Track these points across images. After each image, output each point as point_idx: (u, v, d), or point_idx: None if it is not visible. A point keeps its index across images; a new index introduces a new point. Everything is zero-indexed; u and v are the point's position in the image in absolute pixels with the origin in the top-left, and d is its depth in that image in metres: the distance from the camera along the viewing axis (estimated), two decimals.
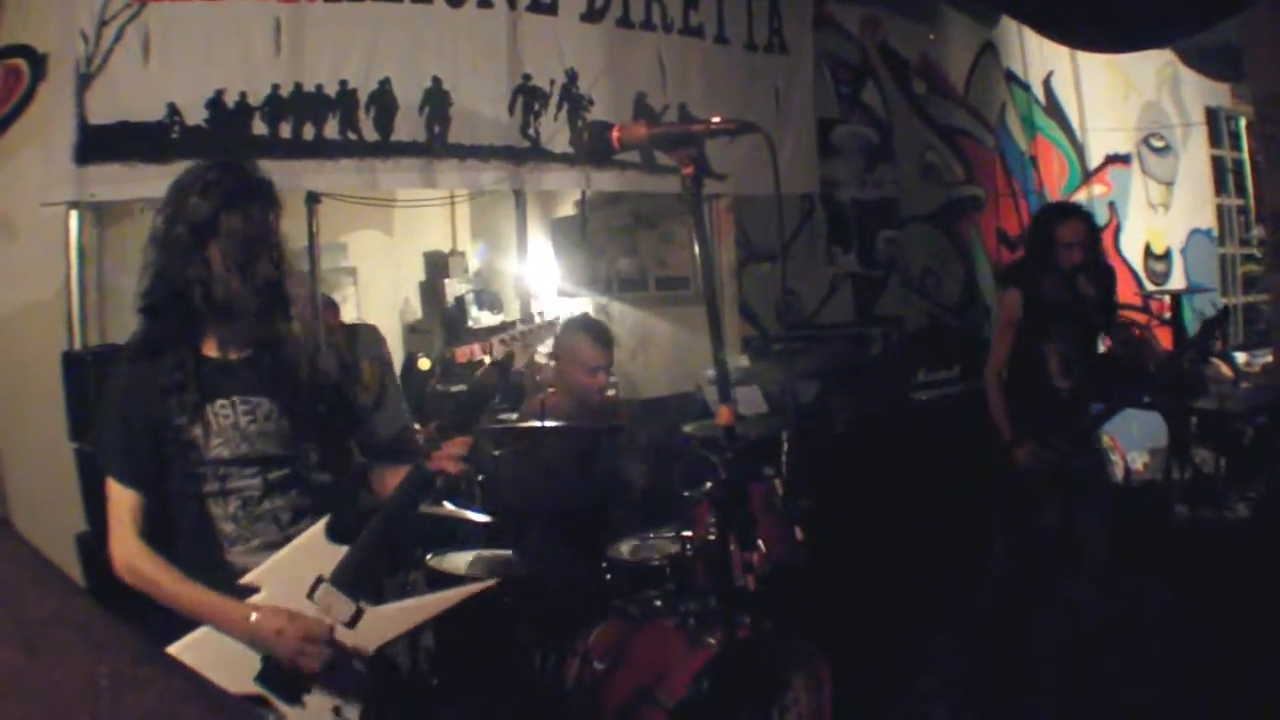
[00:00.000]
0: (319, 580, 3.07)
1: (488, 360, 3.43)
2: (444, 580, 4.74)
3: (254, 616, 2.94)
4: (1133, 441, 10.37)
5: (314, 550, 3.11)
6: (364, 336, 7.52)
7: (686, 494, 4.82)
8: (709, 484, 4.72)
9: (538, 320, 3.63)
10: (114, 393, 3.13)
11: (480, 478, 5.51)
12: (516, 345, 3.51)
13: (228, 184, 3.07)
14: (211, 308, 3.05)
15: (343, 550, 3.12)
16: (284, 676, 2.99)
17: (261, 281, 3.07)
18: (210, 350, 3.16)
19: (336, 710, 3.05)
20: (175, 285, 3.03)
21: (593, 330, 5.69)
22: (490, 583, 3.69)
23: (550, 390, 5.54)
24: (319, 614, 3.04)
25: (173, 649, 2.84)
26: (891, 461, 6.88)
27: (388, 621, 3.19)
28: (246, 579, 3.02)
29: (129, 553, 2.98)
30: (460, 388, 8.13)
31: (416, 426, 6.38)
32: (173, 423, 3.03)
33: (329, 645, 3.00)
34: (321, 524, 3.14)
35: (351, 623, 3.08)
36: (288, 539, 3.13)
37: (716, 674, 4.09)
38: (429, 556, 4.99)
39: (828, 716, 4.50)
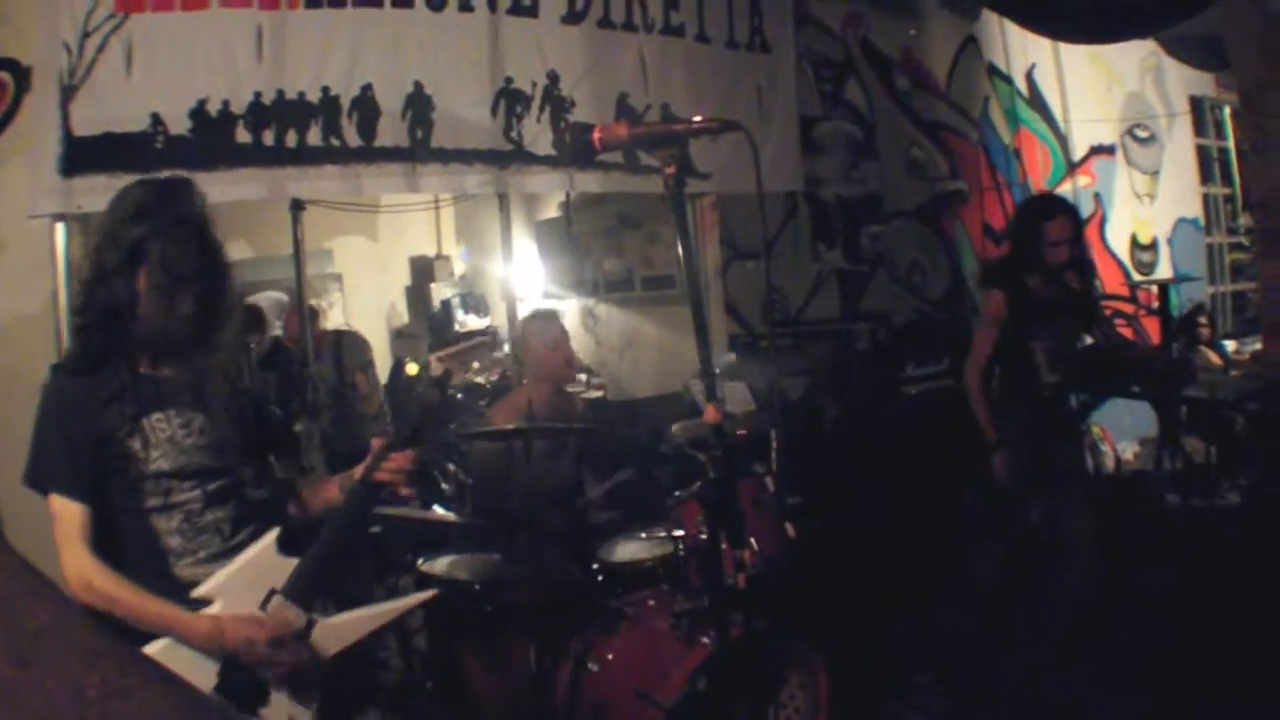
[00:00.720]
0: (271, 593, 3.09)
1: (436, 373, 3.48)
2: (435, 584, 4.73)
3: (221, 627, 2.96)
4: (1123, 431, 10.41)
5: (265, 563, 3.14)
6: (348, 344, 7.53)
7: (676, 493, 4.83)
8: (698, 483, 4.73)
9: (473, 340, 3.67)
10: (52, 409, 3.13)
11: (469, 481, 5.53)
12: (453, 363, 3.55)
13: (156, 207, 3.08)
14: (140, 328, 3.07)
15: (292, 562, 3.15)
16: (242, 687, 3.00)
17: (189, 303, 3.09)
18: (144, 366, 3.16)
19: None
20: (106, 305, 3.05)
21: (542, 313, 6.01)
22: (428, 595, 3.74)
23: (524, 385, 5.66)
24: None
25: None
26: (881, 455, 6.88)
27: (339, 631, 3.22)
28: (199, 592, 3.04)
29: (84, 569, 2.95)
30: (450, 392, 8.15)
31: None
32: (113, 435, 3.04)
33: (298, 645, 3.05)
34: (272, 536, 3.17)
35: (304, 634, 3.11)
36: (229, 551, 3.16)
37: (712, 673, 4.10)
38: (420, 560, 4.99)
39: (824, 712, 4.50)
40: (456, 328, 9.32)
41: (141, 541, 3.10)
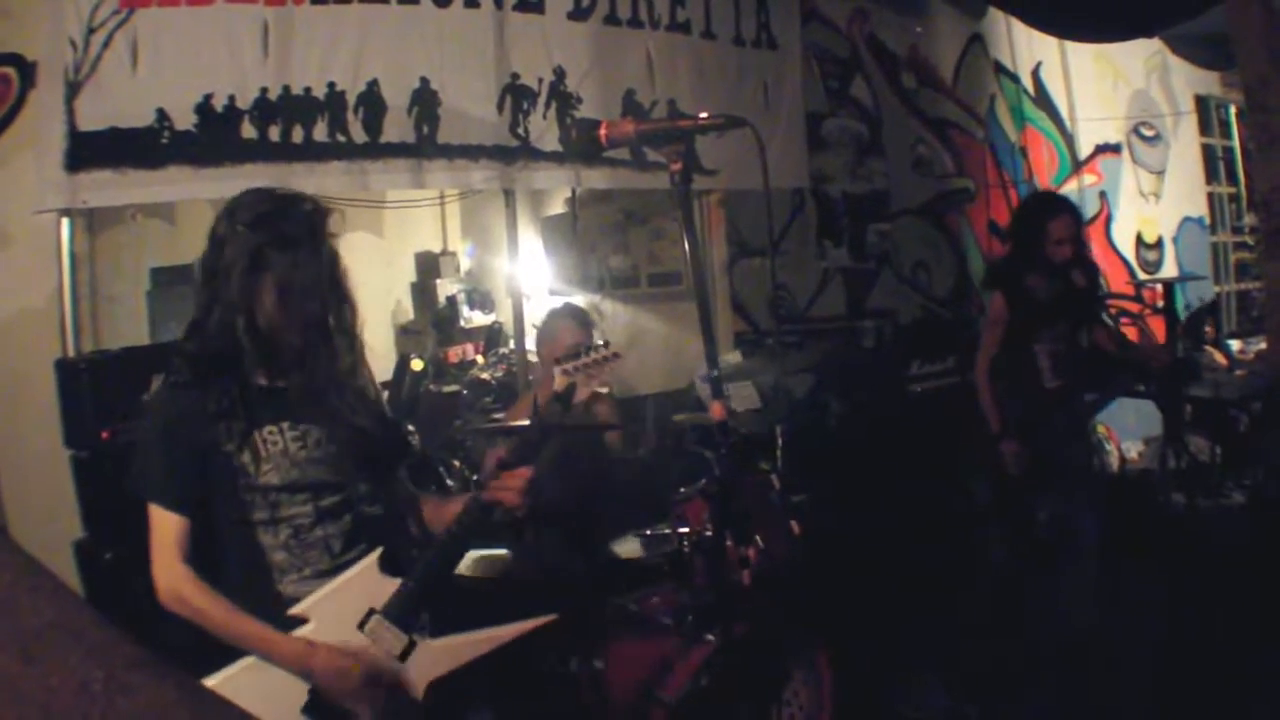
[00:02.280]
0: (371, 612, 3.02)
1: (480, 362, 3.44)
2: None
3: (311, 651, 2.90)
4: (1128, 430, 10.40)
5: (366, 582, 3.05)
6: None
7: (682, 490, 4.82)
8: (703, 480, 4.72)
9: (600, 352, 3.54)
10: (156, 417, 3.08)
11: (475, 478, 5.52)
12: (579, 376, 3.47)
13: (279, 217, 3.04)
14: (257, 339, 3.00)
15: (395, 582, 3.07)
16: (332, 708, 2.93)
17: (309, 316, 3.03)
18: (258, 377, 3.09)
19: None
20: (222, 314, 2.98)
21: (571, 313, 5.74)
22: (546, 619, 3.46)
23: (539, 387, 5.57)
24: (369, 646, 3.00)
25: (219, 676, 2.83)
26: (886, 454, 6.87)
27: (440, 655, 3.13)
28: (296, 610, 2.96)
29: (175, 579, 2.91)
30: (454, 388, 8.14)
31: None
32: (221, 449, 2.98)
33: (391, 685, 2.98)
34: (374, 556, 3.08)
35: (403, 656, 3.03)
36: (338, 568, 3.08)
37: (716, 670, 4.09)
38: None
39: (828, 708, 4.50)
40: (462, 324, 9.30)
41: (246, 555, 3.05)
